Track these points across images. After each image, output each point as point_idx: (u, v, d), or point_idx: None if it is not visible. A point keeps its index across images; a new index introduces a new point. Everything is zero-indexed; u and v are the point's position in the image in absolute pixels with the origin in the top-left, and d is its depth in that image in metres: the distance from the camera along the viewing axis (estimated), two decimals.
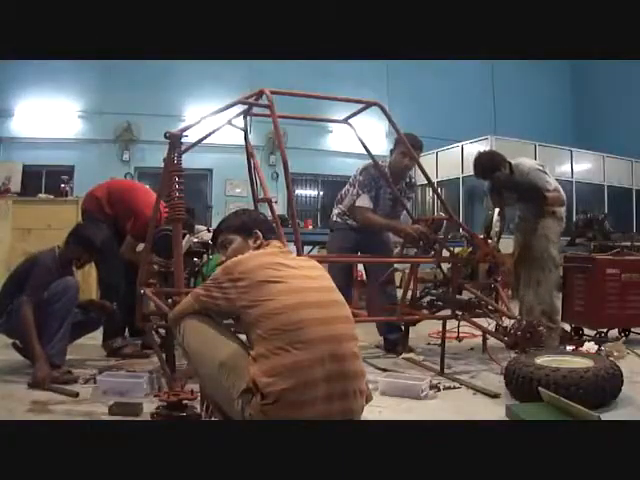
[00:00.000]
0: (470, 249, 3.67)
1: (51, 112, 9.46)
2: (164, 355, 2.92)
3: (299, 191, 11.00)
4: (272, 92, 2.97)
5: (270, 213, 3.09)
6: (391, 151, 3.94)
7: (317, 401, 1.73)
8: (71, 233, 3.34)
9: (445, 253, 3.81)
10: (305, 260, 2.08)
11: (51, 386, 2.73)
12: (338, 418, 1.77)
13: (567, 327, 4.17)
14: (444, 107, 11.05)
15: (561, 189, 4.19)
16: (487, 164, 3.95)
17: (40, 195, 5.81)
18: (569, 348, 3.44)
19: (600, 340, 3.91)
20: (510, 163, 3.96)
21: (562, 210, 4.04)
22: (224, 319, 2.10)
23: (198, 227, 5.03)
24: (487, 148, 8.93)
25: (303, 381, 1.71)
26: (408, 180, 4.03)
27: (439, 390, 2.84)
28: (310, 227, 8.37)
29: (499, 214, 4.18)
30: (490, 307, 3.47)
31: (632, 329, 4.23)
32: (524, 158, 4.23)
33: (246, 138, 3.50)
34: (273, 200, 3.20)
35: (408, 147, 3.55)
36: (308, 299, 1.83)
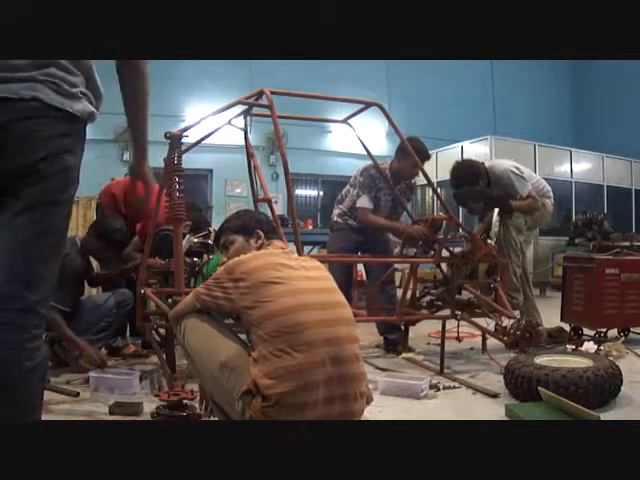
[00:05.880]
0: (469, 249, 3.67)
1: None
2: (164, 355, 2.92)
3: (299, 191, 11.00)
4: (272, 92, 2.97)
5: (270, 213, 3.09)
6: (396, 152, 3.92)
7: (318, 404, 1.73)
8: (96, 227, 3.37)
9: (445, 253, 3.81)
10: (307, 260, 2.07)
11: (51, 386, 2.74)
12: None
13: (567, 327, 4.17)
14: (444, 107, 11.06)
15: (546, 187, 4.22)
16: (463, 177, 4.02)
17: None
18: (569, 348, 3.44)
19: (600, 340, 3.91)
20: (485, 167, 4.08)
21: (543, 212, 4.15)
22: (225, 318, 2.10)
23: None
24: (487, 148, 8.95)
25: (304, 384, 1.71)
26: (408, 181, 4.03)
27: (439, 390, 2.85)
28: (310, 227, 8.37)
29: (499, 214, 4.19)
30: (490, 307, 3.47)
31: (631, 329, 4.23)
32: (499, 160, 4.28)
33: (246, 138, 3.50)
34: (273, 200, 3.20)
35: (418, 162, 3.54)
36: (309, 300, 1.82)
